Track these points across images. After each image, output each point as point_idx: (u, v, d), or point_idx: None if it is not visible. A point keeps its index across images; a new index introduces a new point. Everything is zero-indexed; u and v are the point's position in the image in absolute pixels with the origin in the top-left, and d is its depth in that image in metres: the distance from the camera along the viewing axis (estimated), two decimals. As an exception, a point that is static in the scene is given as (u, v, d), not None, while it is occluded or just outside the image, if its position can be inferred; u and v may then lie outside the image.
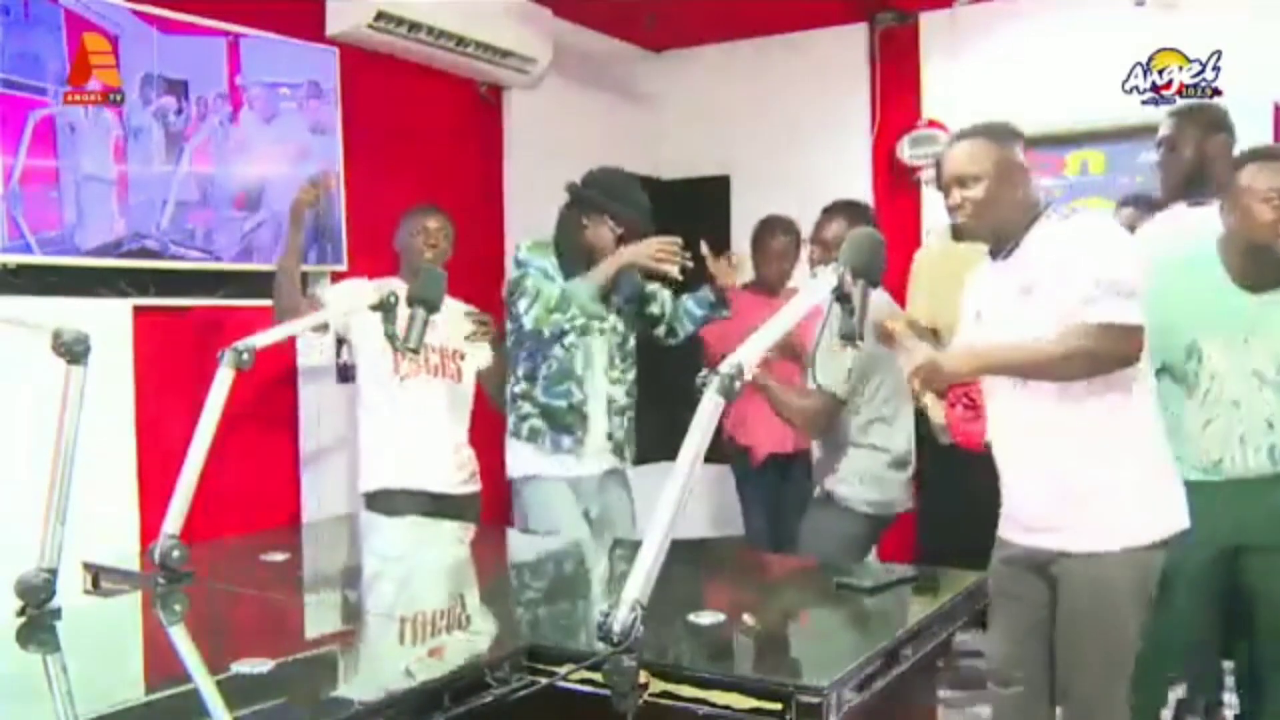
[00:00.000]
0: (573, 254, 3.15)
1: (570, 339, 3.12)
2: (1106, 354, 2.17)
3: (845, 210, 3.23)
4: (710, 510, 4.68)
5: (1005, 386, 2.33)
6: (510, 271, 3.24)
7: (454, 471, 3.33)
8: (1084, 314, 2.15)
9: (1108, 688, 2.29)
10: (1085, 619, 2.27)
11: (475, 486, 3.41)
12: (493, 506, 3.53)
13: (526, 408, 3.17)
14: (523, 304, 3.11)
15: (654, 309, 3.29)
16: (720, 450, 4.10)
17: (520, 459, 3.20)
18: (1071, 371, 2.20)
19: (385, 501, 3.20)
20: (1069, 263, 2.20)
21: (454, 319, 3.32)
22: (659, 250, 2.99)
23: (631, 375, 3.27)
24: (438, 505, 3.19)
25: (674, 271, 3.03)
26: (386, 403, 3.27)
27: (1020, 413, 2.33)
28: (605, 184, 3.22)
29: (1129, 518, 2.25)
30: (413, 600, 2.21)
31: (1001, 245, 2.35)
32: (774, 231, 3.96)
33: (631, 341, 3.27)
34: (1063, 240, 2.26)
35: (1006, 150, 2.33)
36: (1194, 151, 3.01)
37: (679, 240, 3.04)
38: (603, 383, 3.18)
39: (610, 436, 3.19)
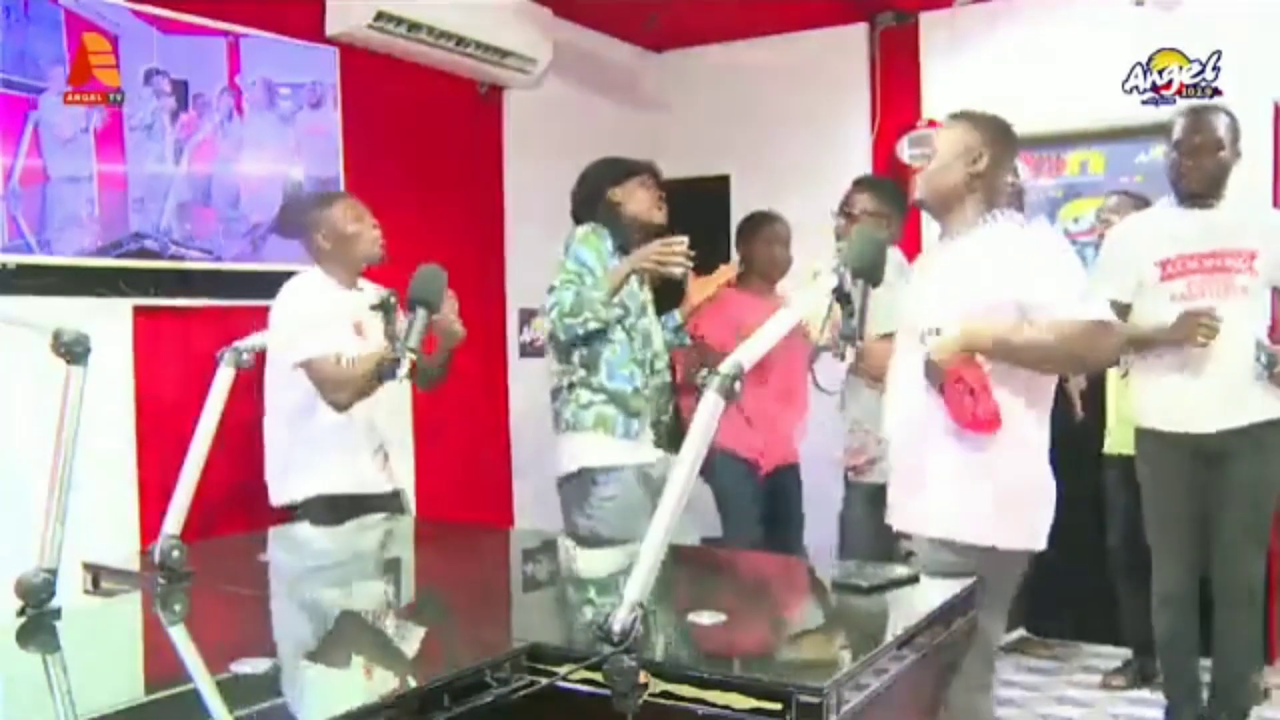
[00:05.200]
0: (627, 234, 3.19)
1: (630, 321, 3.14)
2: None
3: (874, 185, 3.24)
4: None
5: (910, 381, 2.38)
6: (557, 251, 3.18)
7: (377, 473, 3.10)
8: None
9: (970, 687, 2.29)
10: None
11: (398, 484, 3.19)
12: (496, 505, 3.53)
13: (586, 395, 3.12)
14: (549, 301, 3.11)
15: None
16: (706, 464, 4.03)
17: (584, 449, 3.12)
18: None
19: (318, 510, 2.92)
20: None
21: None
22: (660, 254, 3.05)
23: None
24: (365, 506, 2.95)
25: (678, 273, 3.11)
26: (326, 415, 2.95)
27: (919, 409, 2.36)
28: (605, 168, 3.31)
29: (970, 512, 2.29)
30: (412, 600, 2.21)
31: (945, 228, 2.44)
32: (763, 224, 3.88)
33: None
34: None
35: (971, 133, 2.40)
36: (1231, 156, 3.06)
37: (684, 240, 3.08)
38: (657, 364, 3.23)
39: (659, 419, 3.22)
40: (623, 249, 3.17)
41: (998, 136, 2.44)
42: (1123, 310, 3.15)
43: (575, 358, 3.15)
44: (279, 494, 3.01)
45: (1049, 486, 2.37)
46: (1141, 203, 3.68)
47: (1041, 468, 2.36)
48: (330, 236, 3.01)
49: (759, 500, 3.82)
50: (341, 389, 2.86)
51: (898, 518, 2.46)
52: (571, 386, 3.17)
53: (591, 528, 3.10)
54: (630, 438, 3.13)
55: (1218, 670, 3.23)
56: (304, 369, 2.85)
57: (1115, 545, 3.85)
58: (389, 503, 3.08)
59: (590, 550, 2.72)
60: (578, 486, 3.16)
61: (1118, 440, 3.79)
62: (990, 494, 2.28)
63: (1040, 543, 2.35)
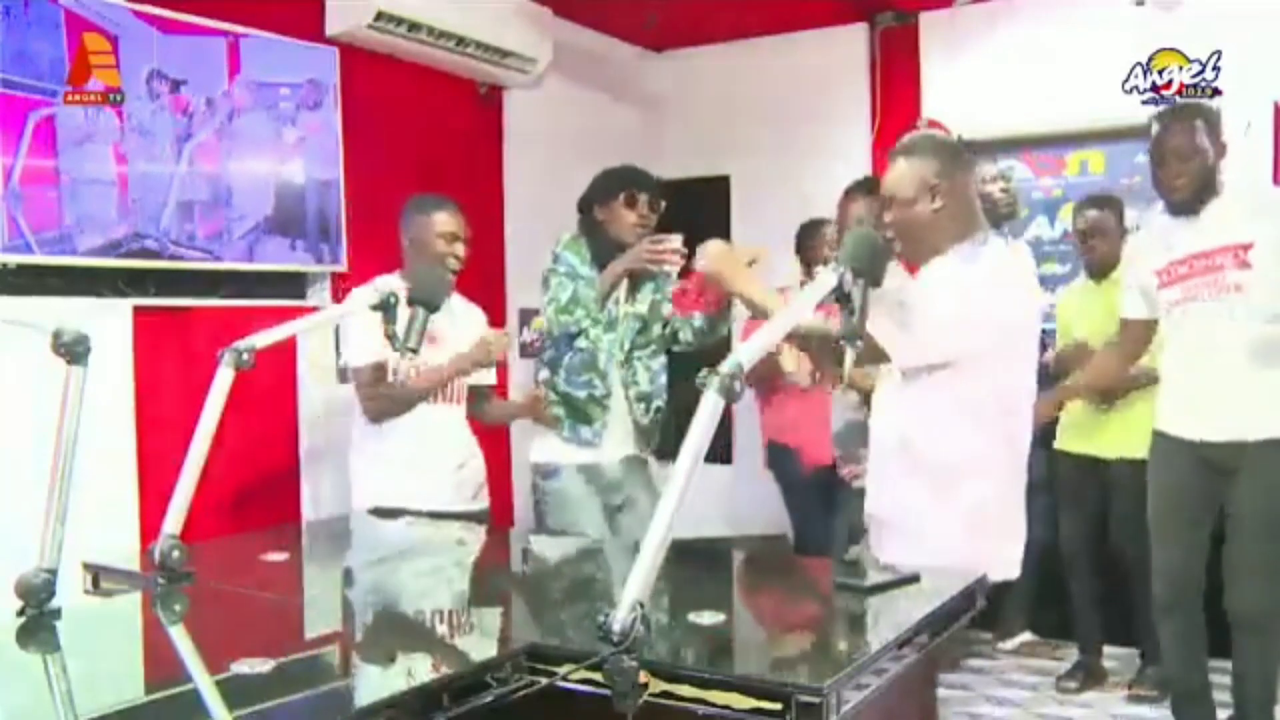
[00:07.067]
0: (604, 252, 3.25)
1: (594, 332, 3.19)
2: None
3: (868, 192, 3.19)
4: (717, 509, 4.69)
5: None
6: (546, 261, 3.31)
7: (454, 490, 3.16)
8: None
9: None
10: None
11: (482, 503, 3.26)
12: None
13: (549, 396, 3.26)
14: (544, 300, 3.25)
15: (664, 308, 3.35)
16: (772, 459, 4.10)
17: (543, 446, 3.28)
18: None
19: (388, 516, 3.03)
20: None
21: (472, 338, 3.20)
22: (651, 252, 3.11)
23: (658, 362, 3.32)
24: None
25: (668, 270, 3.15)
26: (406, 429, 3.10)
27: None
28: (603, 178, 3.33)
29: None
30: (413, 600, 2.21)
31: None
32: (821, 228, 3.92)
33: (656, 329, 3.31)
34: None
35: (922, 165, 2.35)
36: (1215, 155, 3.01)
37: (673, 237, 3.12)
38: (624, 372, 3.25)
39: (635, 424, 3.26)
40: (600, 265, 3.24)
41: (950, 161, 2.39)
42: (1150, 326, 3.15)
43: (545, 356, 3.28)
44: (357, 500, 3.11)
45: (1013, 521, 2.39)
46: (1111, 202, 3.74)
47: (1006, 501, 2.37)
48: (415, 243, 3.10)
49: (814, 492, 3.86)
50: (374, 399, 3.03)
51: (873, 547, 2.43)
52: (537, 385, 3.32)
53: (540, 517, 3.29)
54: (576, 442, 3.22)
55: (1236, 699, 3.13)
56: (350, 373, 3.04)
57: (1071, 540, 3.86)
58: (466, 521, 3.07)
59: (590, 550, 2.72)
60: (533, 477, 3.32)
61: (1089, 441, 3.80)
62: (951, 529, 2.29)
63: (1007, 573, 2.34)
